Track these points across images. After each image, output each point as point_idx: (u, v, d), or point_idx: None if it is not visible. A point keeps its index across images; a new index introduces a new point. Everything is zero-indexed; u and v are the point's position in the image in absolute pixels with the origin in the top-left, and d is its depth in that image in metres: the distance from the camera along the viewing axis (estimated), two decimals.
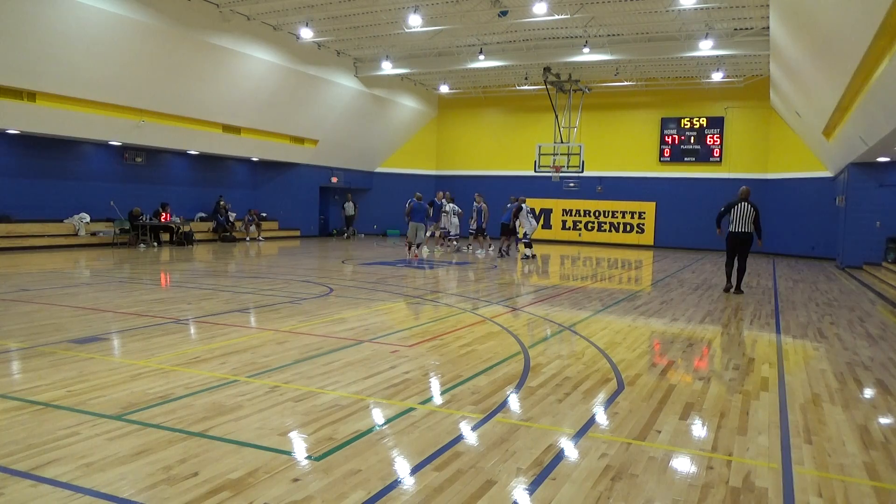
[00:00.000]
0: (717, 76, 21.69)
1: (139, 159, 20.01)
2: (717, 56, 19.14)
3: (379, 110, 25.26)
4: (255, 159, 23.59)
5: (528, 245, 17.94)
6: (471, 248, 20.27)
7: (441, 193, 20.27)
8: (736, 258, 11.52)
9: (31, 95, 14.81)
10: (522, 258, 17.63)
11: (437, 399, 4.65)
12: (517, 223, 17.85)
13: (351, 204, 25.96)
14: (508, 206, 18.10)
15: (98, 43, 14.65)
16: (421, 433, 3.89)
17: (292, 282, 11.34)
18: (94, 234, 18.10)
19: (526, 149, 24.84)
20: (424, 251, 18.25)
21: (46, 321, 7.08)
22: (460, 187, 25.61)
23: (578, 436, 3.96)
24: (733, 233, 11.24)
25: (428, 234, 19.44)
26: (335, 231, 27.56)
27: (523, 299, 10.06)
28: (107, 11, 14.27)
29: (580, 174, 21.94)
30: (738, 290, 11.65)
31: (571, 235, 26.51)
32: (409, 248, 17.23)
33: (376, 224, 28.22)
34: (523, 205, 17.76)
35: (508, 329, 7.40)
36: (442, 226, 20.14)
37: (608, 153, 25.40)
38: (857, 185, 17.64)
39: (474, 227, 19.57)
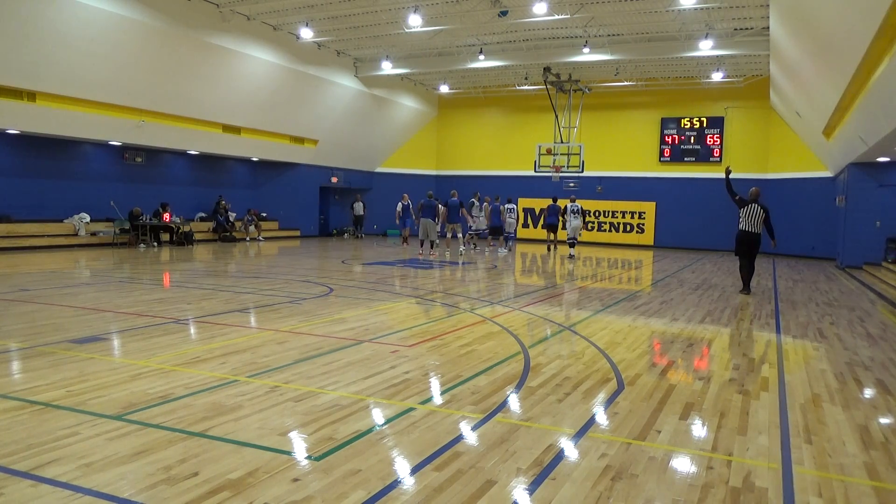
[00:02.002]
0: (717, 76, 21.69)
1: (139, 159, 20.01)
2: (717, 56, 19.14)
3: (379, 110, 25.25)
4: (255, 159, 23.59)
5: (572, 245, 18.85)
6: (473, 247, 20.31)
7: (454, 192, 20.36)
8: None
9: (31, 95, 14.81)
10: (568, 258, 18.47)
11: (437, 399, 4.65)
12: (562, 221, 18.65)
13: (360, 204, 25.97)
14: (570, 205, 18.50)
15: (98, 43, 14.65)
16: (421, 433, 3.89)
17: (292, 282, 11.33)
18: (94, 234, 18.10)
19: (526, 149, 24.83)
20: (460, 250, 18.47)
21: (46, 321, 7.08)
22: (460, 187, 25.58)
23: (578, 436, 3.95)
24: (743, 231, 11.23)
25: (460, 234, 19.61)
26: (335, 231, 27.56)
27: (523, 299, 10.05)
28: (107, 11, 14.27)
29: (580, 174, 21.95)
30: (747, 290, 11.67)
31: None
32: (422, 245, 17.36)
33: (376, 224, 28.20)
34: (568, 204, 18.53)
35: (508, 329, 7.39)
36: (477, 227, 20.48)
37: (608, 153, 25.39)
38: (857, 185, 17.64)
39: (475, 226, 19.99)
